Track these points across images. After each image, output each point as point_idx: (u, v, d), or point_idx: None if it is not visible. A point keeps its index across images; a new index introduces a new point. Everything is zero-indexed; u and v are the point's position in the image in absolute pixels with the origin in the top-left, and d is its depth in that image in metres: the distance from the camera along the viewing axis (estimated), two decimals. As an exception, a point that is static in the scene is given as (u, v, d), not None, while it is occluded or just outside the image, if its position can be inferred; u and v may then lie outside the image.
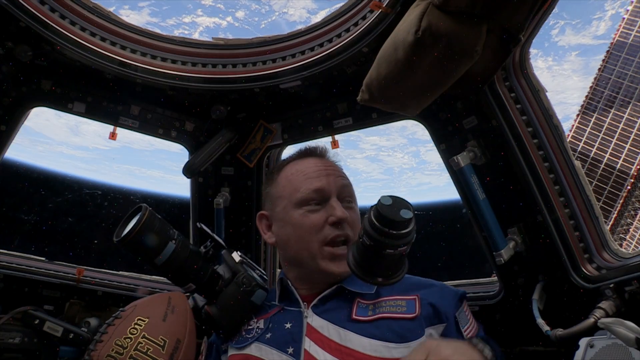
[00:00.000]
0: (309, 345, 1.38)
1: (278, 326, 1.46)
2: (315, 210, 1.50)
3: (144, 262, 1.48)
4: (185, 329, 1.43)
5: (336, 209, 1.48)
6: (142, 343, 1.32)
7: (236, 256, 1.61)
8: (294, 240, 1.53)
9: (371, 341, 1.35)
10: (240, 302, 1.51)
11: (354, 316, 1.42)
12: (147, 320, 1.37)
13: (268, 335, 1.44)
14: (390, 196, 1.23)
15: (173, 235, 1.48)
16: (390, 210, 1.20)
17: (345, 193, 1.55)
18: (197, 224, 1.64)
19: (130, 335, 1.33)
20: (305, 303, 1.49)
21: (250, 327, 1.51)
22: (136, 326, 1.35)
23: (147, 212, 1.45)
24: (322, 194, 1.51)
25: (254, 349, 1.44)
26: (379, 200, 1.22)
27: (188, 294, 1.59)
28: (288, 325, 1.45)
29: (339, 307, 1.46)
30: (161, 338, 1.35)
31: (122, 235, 1.42)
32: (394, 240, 1.20)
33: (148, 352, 1.31)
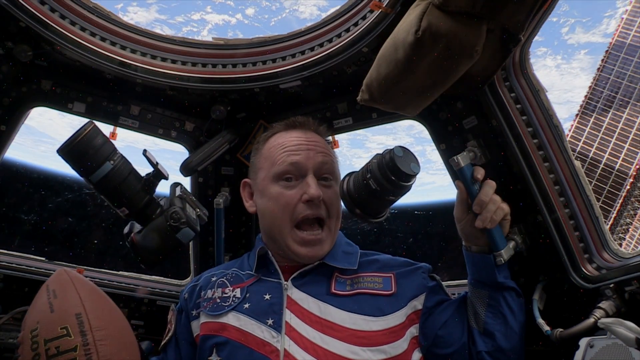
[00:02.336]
0: (289, 317, 1.40)
1: (257, 297, 1.46)
2: (291, 187, 1.50)
3: (82, 177, 1.48)
4: (79, 299, 1.33)
5: (310, 186, 1.47)
6: (49, 349, 1.22)
7: (178, 190, 1.59)
8: (268, 213, 1.54)
9: (350, 315, 1.39)
10: (165, 236, 1.48)
11: (333, 290, 1.46)
12: (37, 326, 1.27)
13: (246, 305, 1.44)
14: (402, 148, 1.32)
15: (113, 156, 1.46)
16: (402, 163, 1.29)
17: (324, 170, 1.53)
18: (144, 150, 1.63)
19: (35, 352, 1.23)
20: (283, 274, 1.51)
21: (225, 295, 1.50)
22: (34, 339, 1.25)
23: (91, 128, 1.44)
24: (299, 168, 1.50)
25: (231, 318, 1.44)
26: (393, 150, 1.30)
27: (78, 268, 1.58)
28: (267, 297, 1.45)
29: (317, 281, 1.49)
30: (60, 329, 1.25)
31: (62, 145, 1.43)
32: (399, 190, 1.32)
33: (60, 350, 1.22)
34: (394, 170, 1.30)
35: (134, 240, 1.49)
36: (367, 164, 1.38)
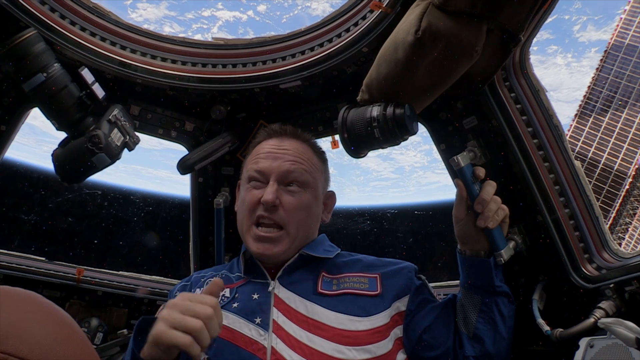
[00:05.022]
0: (277, 315, 1.41)
1: (245, 296, 1.48)
2: (256, 187, 1.56)
3: (18, 84, 1.48)
4: None
5: (267, 190, 1.52)
6: None
7: (112, 113, 1.58)
8: (238, 213, 1.63)
9: (337, 314, 1.40)
10: (81, 157, 1.49)
11: (319, 290, 1.47)
12: None
13: (235, 305, 1.46)
14: (410, 107, 1.43)
15: (48, 69, 1.45)
16: (409, 121, 1.41)
17: (291, 178, 1.56)
18: (81, 68, 1.60)
19: None
20: (270, 275, 1.53)
21: None
22: None
23: (31, 34, 1.43)
24: (263, 174, 1.56)
25: None
26: (405, 109, 1.41)
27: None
28: (255, 296, 1.47)
29: (304, 280, 1.51)
30: None
31: None
32: (394, 142, 1.46)
33: None
34: (401, 126, 1.40)
35: (55, 154, 1.50)
36: (374, 110, 1.46)
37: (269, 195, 1.50)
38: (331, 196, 1.74)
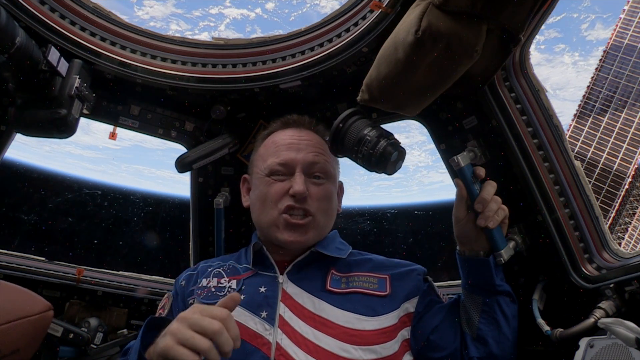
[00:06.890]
0: (283, 310, 1.40)
1: (252, 289, 1.47)
2: (280, 180, 1.54)
3: None
4: None
5: (296, 182, 1.51)
6: None
7: (74, 85, 1.60)
8: (258, 205, 1.58)
9: (344, 313, 1.39)
10: (42, 130, 1.54)
11: (328, 287, 1.46)
12: None
13: (241, 297, 1.43)
14: (399, 153, 1.43)
15: (10, 48, 1.44)
16: (391, 165, 1.43)
17: (315, 169, 1.57)
18: (50, 46, 1.61)
19: None
20: (279, 269, 1.52)
21: (221, 285, 1.51)
22: None
23: None
24: (288, 166, 1.55)
25: None
26: (393, 155, 1.42)
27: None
28: (262, 290, 1.46)
29: (313, 276, 1.50)
30: None
31: None
32: (371, 171, 1.47)
33: None
34: (380, 165, 1.41)
35: (12, 115, 1.56)
36: (369, 134, 1.45)
37: (300, 186, 1.50)
38: (341, 186, 1.75)
